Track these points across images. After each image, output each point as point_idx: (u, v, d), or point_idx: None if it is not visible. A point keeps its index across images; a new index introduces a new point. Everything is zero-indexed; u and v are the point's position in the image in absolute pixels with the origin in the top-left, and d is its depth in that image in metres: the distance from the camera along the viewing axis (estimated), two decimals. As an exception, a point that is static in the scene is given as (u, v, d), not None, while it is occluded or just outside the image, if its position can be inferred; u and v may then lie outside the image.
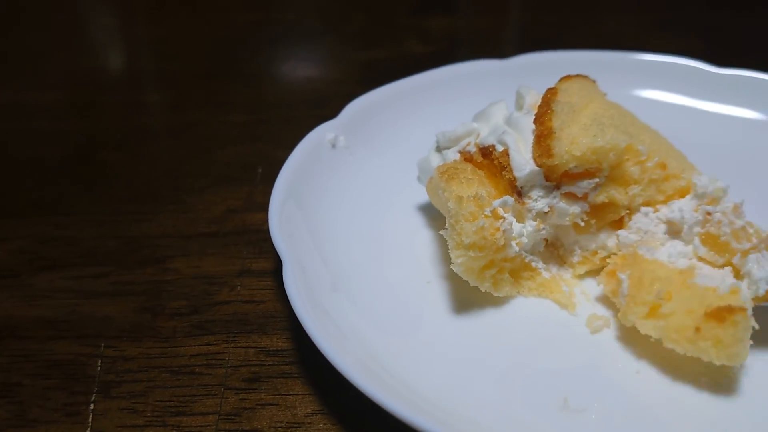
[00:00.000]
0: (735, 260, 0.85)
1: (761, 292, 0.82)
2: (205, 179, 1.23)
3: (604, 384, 0.83)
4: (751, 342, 0.79)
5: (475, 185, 0.89)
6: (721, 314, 0.78)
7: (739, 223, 0.86)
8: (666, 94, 1.29)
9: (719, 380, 0.83)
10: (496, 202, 0.87)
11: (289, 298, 0.83)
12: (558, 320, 0.92)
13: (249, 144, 1.34)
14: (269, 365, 0.89)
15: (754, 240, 0.85)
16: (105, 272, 1.03)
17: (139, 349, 0.91)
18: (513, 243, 0.90)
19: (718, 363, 0.79)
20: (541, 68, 1.26)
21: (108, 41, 1.88)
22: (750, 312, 0.79)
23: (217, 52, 1.74)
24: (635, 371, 0.84)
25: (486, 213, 0.86)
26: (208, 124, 1.42)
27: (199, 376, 0.87)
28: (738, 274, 0.85)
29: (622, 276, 0.87)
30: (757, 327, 0.80)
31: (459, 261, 0.87)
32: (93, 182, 1.24)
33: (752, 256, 0.83)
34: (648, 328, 0.83)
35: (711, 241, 0.86)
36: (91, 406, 0.84)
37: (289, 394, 0.85)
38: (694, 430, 0.78)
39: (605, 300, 0.93)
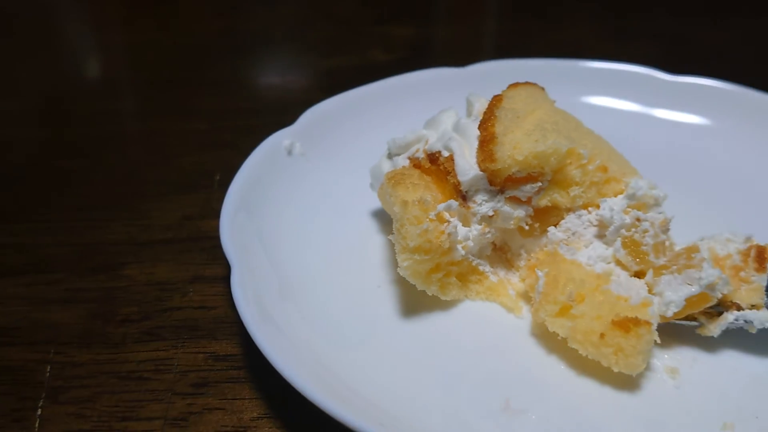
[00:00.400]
0: (648, 278, 0.87)
1: (669, 313, 0.85)
2: (163, 186, 1.24)
3: (547, 385, 0.84)
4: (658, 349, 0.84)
5: (420, 190, 0.91)
6: (627, 325, 0.81)
7: (662, 237, 0.89)
8: (617, 101, 1.32)
9: (658, 383, 0.84)
10: (441, 206, 0.89)
11: (236, 304, 0.84)
12: (504, 323, 0.93)
13: (209, 151, 1.35)
14: (218, 370, 0.89)
15: (668, 254, 0.88)
16: (57, 279, 1.04)
17: (88, 355, 0.92)
18: (459, 247, 0.92)
19: (615, 370, 0.82)
20: (497, 76, 1.26)
21: (73, 49, 1.88)
22: (654, 327, 0.82)
23: (181, 60, 1.74)
24: (577, 373, 0.85)
25: (430, 216, 0.87)
26: (170, 131, 1.43)
27: (146, 381, 0.88)
28: (650, 291, 0.87)
29: (540, 273, 0.89)
30: (658, 342, 0.83)
31: (405, 264, 0.88)
32: (50, 189, 1.24)
33: (665, 278, 0.86)
34: (556, 326, 0.85)
35: (632, 246, 0.89)
36: (39, 412, 0.85)
37: (236, 399, 0.86)
38: (632, 430, 0.79)
39: (525, 295, 0.96)
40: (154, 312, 0.98)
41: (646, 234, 0.88)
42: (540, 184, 0.93)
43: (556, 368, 0.86)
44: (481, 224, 0.94)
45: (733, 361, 0.87)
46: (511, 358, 0.88)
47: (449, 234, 0.89)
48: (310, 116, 1.20)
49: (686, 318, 0.87)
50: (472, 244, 0.93)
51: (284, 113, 1.40)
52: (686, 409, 0.81)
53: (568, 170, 0.93)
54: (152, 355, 0.91)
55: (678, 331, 0.89)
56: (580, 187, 0.94)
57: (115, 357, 0.91)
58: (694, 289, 0.84)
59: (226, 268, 1.03)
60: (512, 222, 0.95)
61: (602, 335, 0.81)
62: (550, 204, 0.94)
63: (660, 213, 0.91)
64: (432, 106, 1.13)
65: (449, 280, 0.93)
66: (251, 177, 1.06)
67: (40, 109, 1.54)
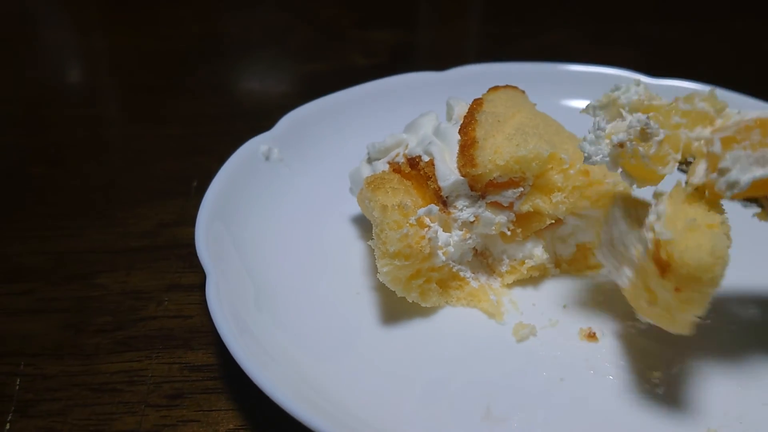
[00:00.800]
0: (715, 148, 0.75)
1: (727, 194, 0.75)
2: (139, 193, 1.22)
3: (528, 392, 0.83)
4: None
5: (400, 195, 0.89)
6: (659, 265, 0.72)
7: (653, 142, 0.78)
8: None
9: (641, 388, 0.83)
10: (421, 211, 0.87)
11: (211, 314, 0.82)
12: (485, 329, 0.92)
13: (186, 157, 1.32)
14: (193, 381, 0.87)
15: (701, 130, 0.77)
16: (30, 289, 1.01)
17: (59, 366, 0.89)
18: (440, 252, 0.90)
19: (710, 298, 0.73)
20: (477, 79, 1.25)
21: (49, 54, 1.85)
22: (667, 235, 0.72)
23: (159, 66, 1.72)
24: (559, 379, 0.84)
25: (411, 221, 0.86)
26: (146, 137, 1.41)
27: (120, 393, 0.85)
28: (714, 166, 0.75)
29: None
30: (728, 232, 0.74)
31: (385, 270, 0.87)
32: (23, 197, 1.21)
33: (736, 153, 0.74)
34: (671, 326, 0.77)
35: (637, 172, 0.79)
36: (7, 426, 0.82)
37: (212, 410, 0.84)
38: (615, 436, 0.78)
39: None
40: (129, 322, 0.95)
41: (639, 155, 0.77)
42: (521, 189, 0.92)
43: (537, 375, 0.85)
44: (461, 230, 0.93)
45: (716, 365, 0.86)
46: (493, 365, 0.86)
47: (430, 239, 0.88)
48: (288, 121, 1.19)
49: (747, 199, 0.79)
50: (452, 249, 0.92)
51: (263, 118, 1.38)
52: (670, 415, 0.80)
53: (549, 175, 0.92)
54: (126, 366, 0.89)
55: (661, 337, 0.88)
56: (562, 192, 0.92)
57: (88, 368, 0.89)
58: (765, 172, 0.73)
59: (203, 275, 1.00)
60: (493, 228, 0.93)
61: (653, 300, 0.74)
62: (532, 209, 0.93)
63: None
64: (412, 110, 1.12)
65: (429, 287, 0.92)
66: (228, 183, 1.04)
67: (14, 115, 1.51)
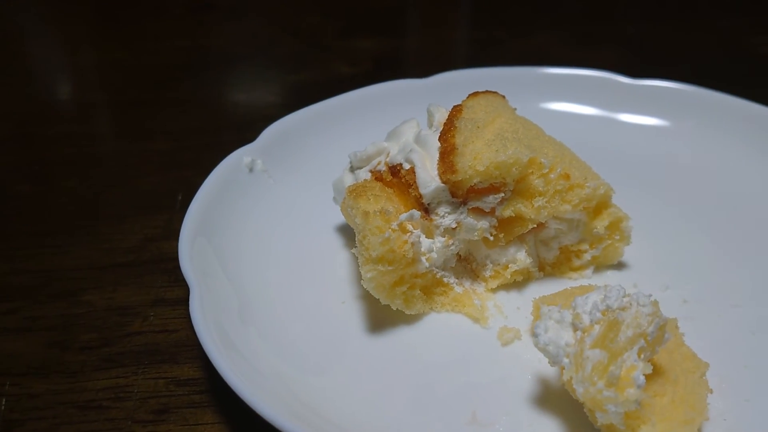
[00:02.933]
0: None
1: None
2: (124, 208, 1.21)
3: (513, 396, 0.83)
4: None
5: (382, 201, 0.90)
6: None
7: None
8: (578, 106, 1.33)
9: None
10: (403, 216, 0.87)
11: (195, 328, 0.82)
12: (470, 334, 0.92)
13: (171, 171, 1.32)
14: (179, 395, 0.87)
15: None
16: (15, 308, 1.01)
17: (45, 385, 0.89)
18: (423, 259, 0.91)
19: None
20: (459, 86, 1.25)
21: (31, 72, 1.85)
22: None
23: (144, 80, 1.72)
24: (544, 382, 0.84)
25: (392, 227, 0.86)
26: (130, 152, 1.41)
27: (106, 410, 0.85)
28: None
29: None
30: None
31: (368, 276, 0.87)
32: (6, 216, 1.21)
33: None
34: None
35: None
36: (-7, 447, 0.82)
37: (198, 425, 0.84)
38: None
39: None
40: (114, 338, 0.95)
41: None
42: (502, 194, 0.92)
43: (522, 379, 0.85)
44: (444, 236, 0.93)
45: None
46: (478, 370, 0.87)
47: (413, 243, 0.88)
48: (271, 132, 1.19)
49: None
50: (436, 256, 0.92)
51: (249, 130, 1.38)
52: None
53: (530, 180, 0.92)
54: (112, 382, 0.89)
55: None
56: (544, 197, 0.93)
57: (74, 386, 0.88)
58: None
59: (189, 290, 1.01)
60: (476, 233, 0.94)
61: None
62: (514, 214, 0.94)
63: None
64: (394, 118, 1.12)
65: (413, 293, 0.92)
66: (211, 196, 1.04)
67: (-1, 133, 1.51)
